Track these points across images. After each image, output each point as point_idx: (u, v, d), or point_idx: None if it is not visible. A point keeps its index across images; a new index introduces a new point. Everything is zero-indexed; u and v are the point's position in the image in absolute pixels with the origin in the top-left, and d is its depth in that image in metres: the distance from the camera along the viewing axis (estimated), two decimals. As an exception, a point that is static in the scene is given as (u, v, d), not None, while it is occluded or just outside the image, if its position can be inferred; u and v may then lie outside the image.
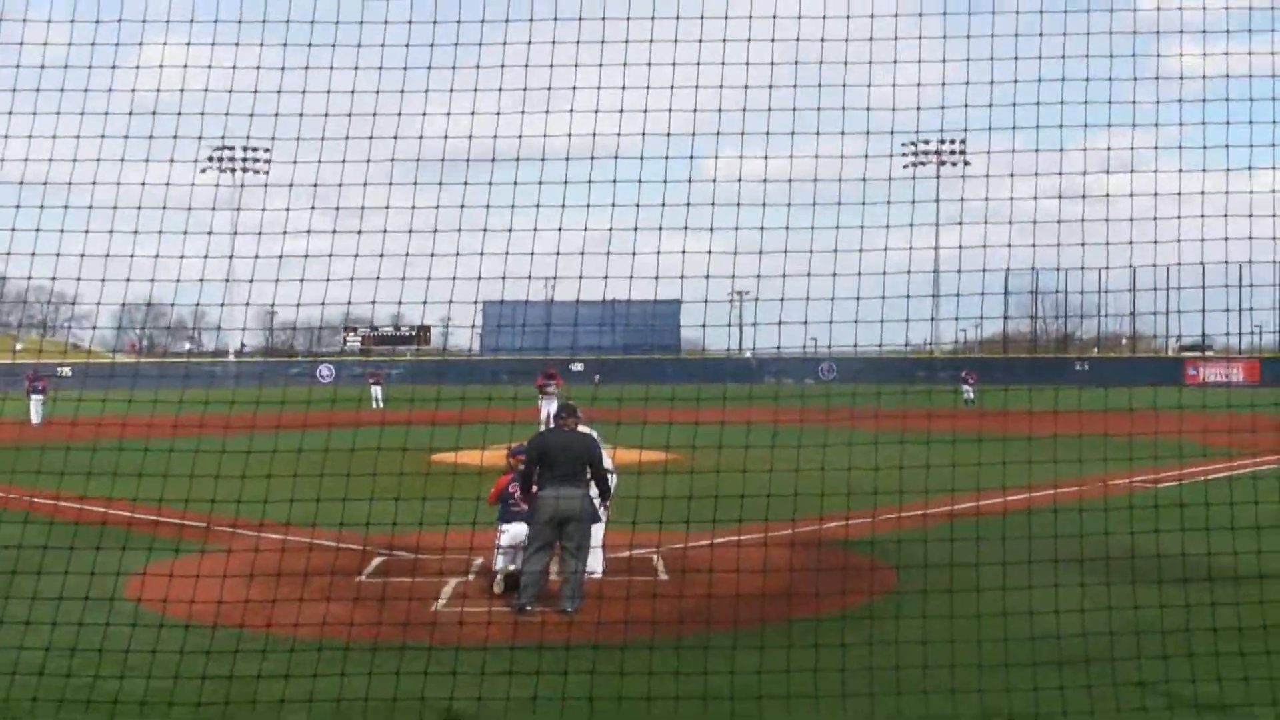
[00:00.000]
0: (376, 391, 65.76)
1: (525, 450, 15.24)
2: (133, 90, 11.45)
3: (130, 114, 11.41)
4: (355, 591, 14.96)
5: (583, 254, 11.09)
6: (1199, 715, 10.24)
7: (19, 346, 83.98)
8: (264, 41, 11.35)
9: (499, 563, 15.67)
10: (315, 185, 11.58)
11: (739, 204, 11.54)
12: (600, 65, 10.98)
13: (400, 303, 11.59)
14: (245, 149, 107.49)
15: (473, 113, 11.07)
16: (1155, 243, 11.68)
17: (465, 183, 11.31)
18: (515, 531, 15.46)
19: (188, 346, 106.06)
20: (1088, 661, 11.18)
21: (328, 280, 11.47)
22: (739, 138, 11.47)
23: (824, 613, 13.58)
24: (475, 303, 11.47)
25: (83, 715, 9.86)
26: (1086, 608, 11.96)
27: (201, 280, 12.02)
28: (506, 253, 11.14)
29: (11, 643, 11.11)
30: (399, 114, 11.23)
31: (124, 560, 13.62)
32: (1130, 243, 11.69)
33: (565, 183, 11.14)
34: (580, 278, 11.15)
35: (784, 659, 10.56)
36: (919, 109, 11.62)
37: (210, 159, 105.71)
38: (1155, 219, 11.64)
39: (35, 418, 49.20)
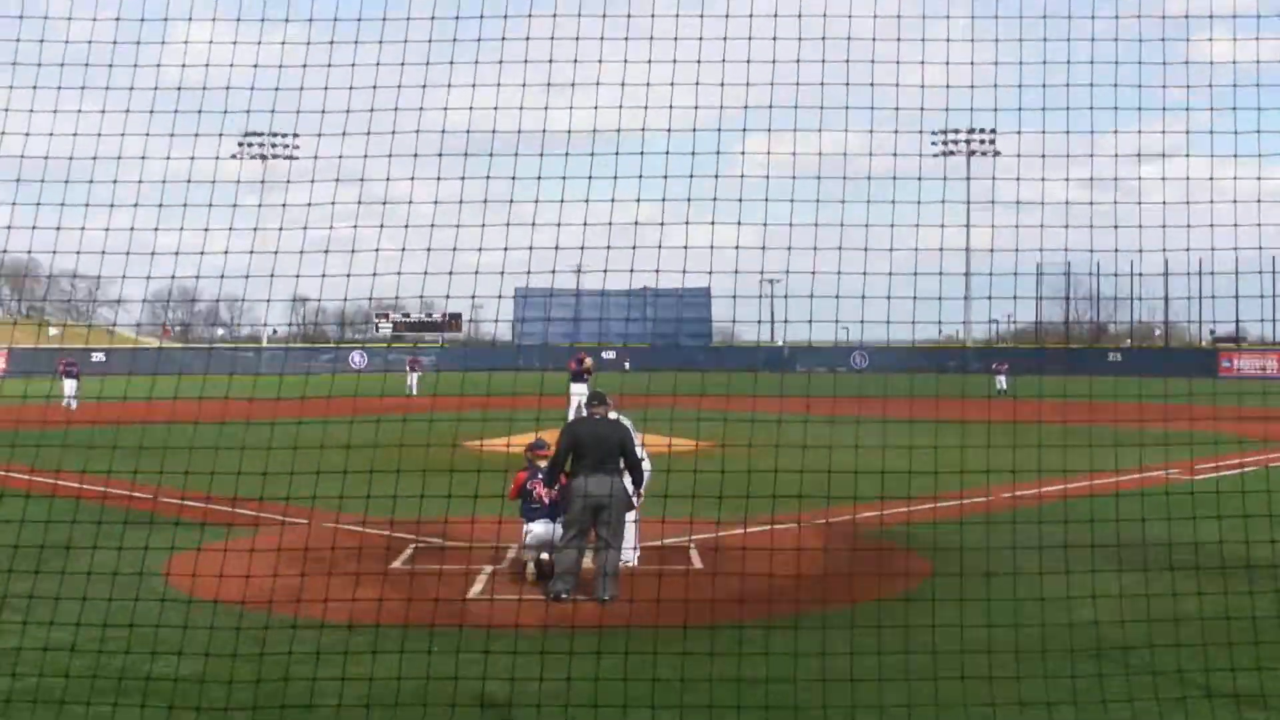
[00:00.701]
0: (412, 379, 66.06)
1: (558, 440, 15.19)
2: (154, 87, 11.39)
3: (151, 110, 11.33)
4: (388, 579, 14.94)
5: (607, 246, 10.97)
6: (1239, 706, 10.13)
7: (52, 332, 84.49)
8: (286, 31, 11.24)
9: (528, 555, 15.67)
10: (343, 179, 11.50)
11: (766, 199, 11.36)
12: (625, 61, 10.88)
13: (421, 278, 11.39)
14: (273, 135, 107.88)
15: (496, 101, 10.97)
16: (1189, 226, 11.48)
17: (488, 176, 11.17)
18: (539, 532, 15.46)
19: (220, 333, 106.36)
20: (1125, 649, 11.09)
21: (359, 273, 11.34)
22: (765, 134, 11.38)
23: (859, 600, 13.52)
24: (501, 283, 11.29)
25: (115, 695, 9.87)
26: (1123, 595, 11.84)
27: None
28: (531, 247, 11.00)
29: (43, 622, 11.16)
30: (420, 109, 11.11)
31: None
32: (1163, 226, 11.50)
33: (590, 177, 11.02)
34: (602, 268, 11.04)
35: (819, 642, 10.49)
36: (944, 103, 11.48)
37: (240, 144, 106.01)
38: (1188, 203, 11.45)
39: (66, 404, 49.42)
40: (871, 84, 11.13)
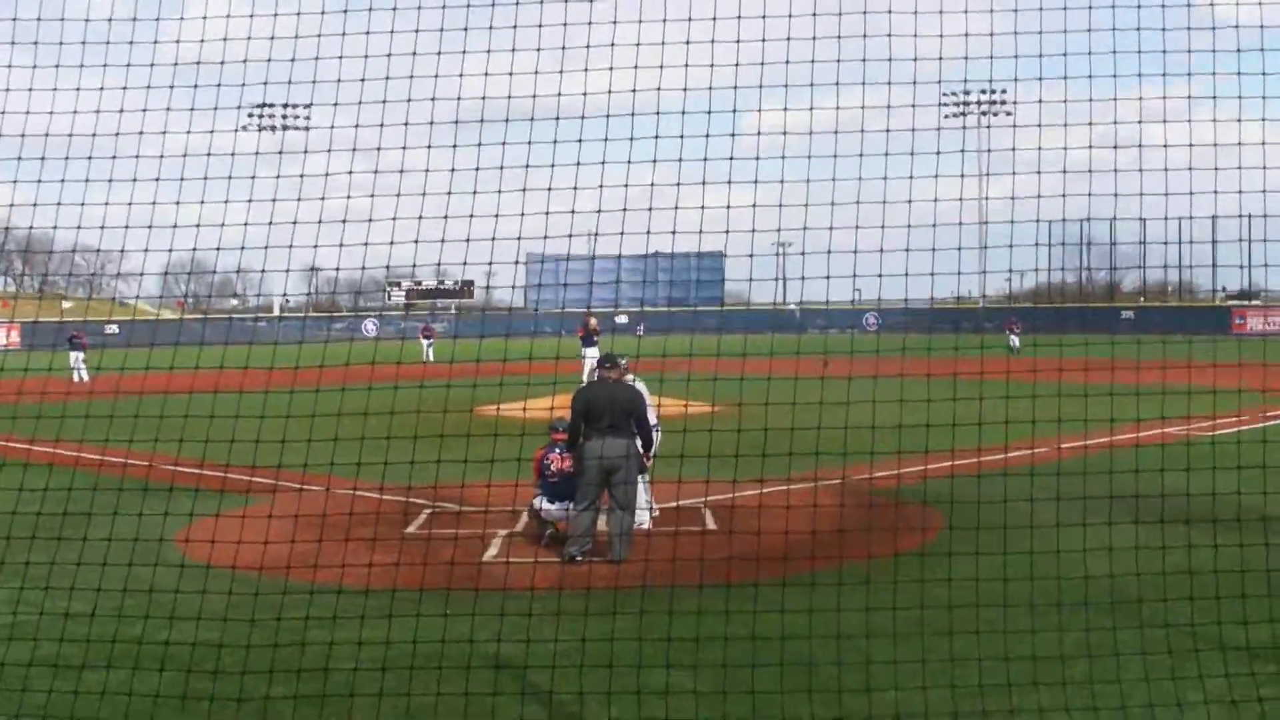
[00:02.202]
0: (426, 345, 66.21)
1: (572, 406, 15.19)
2: (175, 61, 11.35)
3: (173, 83, 11.29)
4: (404, 544, 14.99)
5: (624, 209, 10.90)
6: (1250, 660, 10.12)
7: (65, 305, 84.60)
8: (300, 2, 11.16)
9: (545, 518, 15.69)
10: (356, 148, 11.47)
11: (783, 156, 11.27)
12: (639, 21, 10.79)
13: (434, 243, 11.30)
14: (285, 106, 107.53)
15: (510, 66, 10.89)
16: (1215, 193, 11.40)
17: (503, 143, 11.10)
18: (554, 511, 15.47)
19: (233, 303, 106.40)
20: (1139, 602, 11.08)
21: (375, 240, 11.32)
22: (782, 90, 11.27)
23: (875, 555, 13.53)
24: (517, 248, 11.24)
25: (133, 661, 9.91)
26: (1139, 547, 11.81)
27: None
28: (547, 211, 10.95)
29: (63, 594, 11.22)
30: (436, 75, 11.02)
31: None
32: (1190, 193, 11.40)
33: (605, 139, 10.93)
34: (622, 233, 10.99)
35: (834, 598, 10.50)
36: (960, 55, 11.35)
37: (251, 116, 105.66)
38: (1215, 169, 11.33)
39: (75, 376, 49.54)
40: (889, 34, 11.02)
